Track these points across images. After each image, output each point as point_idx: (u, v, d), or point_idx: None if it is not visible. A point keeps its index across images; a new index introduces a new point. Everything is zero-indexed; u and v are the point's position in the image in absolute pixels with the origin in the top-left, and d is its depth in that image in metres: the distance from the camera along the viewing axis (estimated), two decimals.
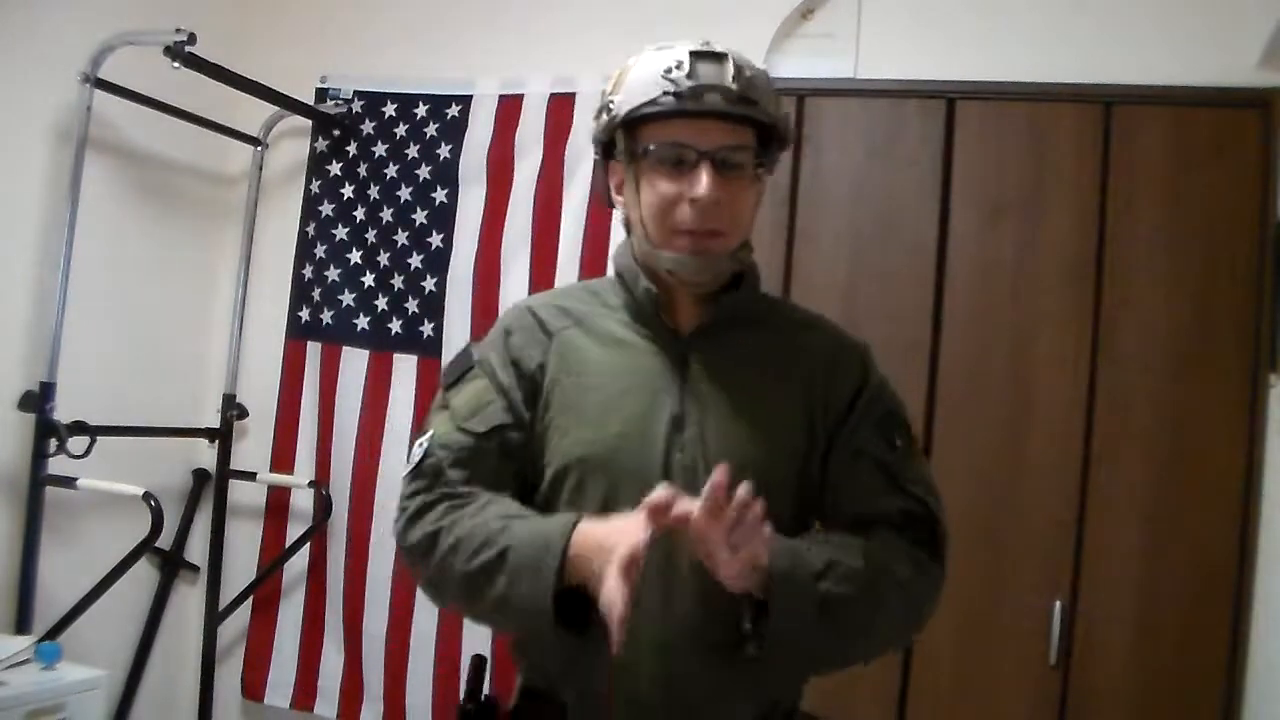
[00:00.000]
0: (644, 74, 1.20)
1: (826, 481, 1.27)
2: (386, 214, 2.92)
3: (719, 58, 1.19)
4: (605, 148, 1.28)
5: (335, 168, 2.99)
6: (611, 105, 1.23)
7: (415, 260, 2.88)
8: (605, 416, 1.22)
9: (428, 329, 2.86)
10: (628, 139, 1.23)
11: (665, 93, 1.17)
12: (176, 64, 2.42)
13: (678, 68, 1.18)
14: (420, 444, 1.26)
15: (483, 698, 1.31)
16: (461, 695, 1.33)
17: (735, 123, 1.19)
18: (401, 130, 2.93)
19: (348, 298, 2.94)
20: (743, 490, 1.04)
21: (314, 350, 2.97)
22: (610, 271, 1.37)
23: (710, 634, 1.18)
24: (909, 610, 1.23)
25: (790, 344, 1.30)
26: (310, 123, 2.99)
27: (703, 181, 1.16)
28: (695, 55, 1.19)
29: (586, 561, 1.07)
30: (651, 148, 1.20)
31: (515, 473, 1.24)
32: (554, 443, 1.23)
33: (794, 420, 1.25)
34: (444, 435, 1.24)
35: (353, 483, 2.88)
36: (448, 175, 2.87)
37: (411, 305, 2.88)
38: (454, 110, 2.88)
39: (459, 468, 1.21)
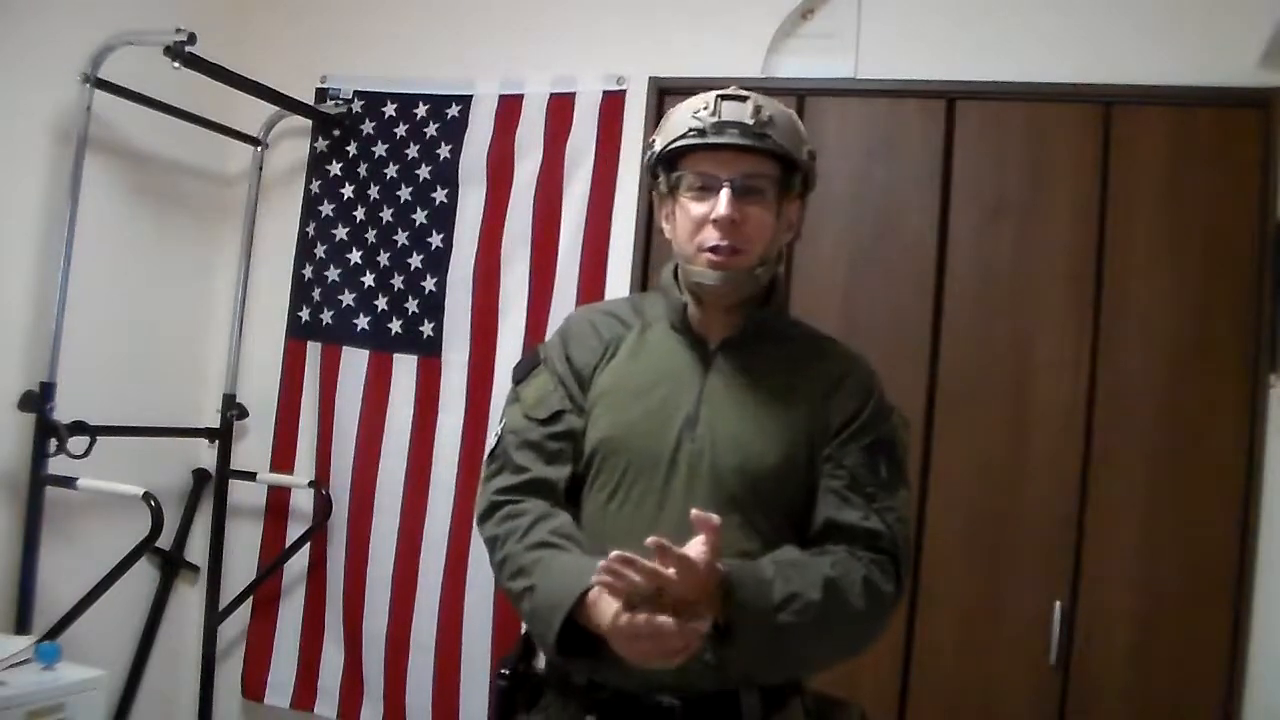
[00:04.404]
0: (679, 115, 1.41)
1: (812, 486, 1.40)
2: (386, 214, 2.92)
3: (742, 99, 1.38)
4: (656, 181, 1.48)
5: (335, 168, 2.99)
6: (654, 144, 1.44)
7: (415, 260, 2.88)
8: (631, 406, 1.42)
9: (428, 329, 2.86)
10: (668, 173, 1.43)
11: (691, 129, 1.38)
12: (176, 64, 2.41)
13: (705, 108, 1.38)
14: (496, 431, 1.50)
15: (519, 668, 1.47)
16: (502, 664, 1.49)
17: (754, 154, 1.37)
18: (401, 130, 2.93)
19: (348, 298, 2.94)
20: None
21: (314, 350, 2.97)
22: (661, 282, 1.54)
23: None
24: (856, 640, 1.36)
25: (804, 362, 1.46)
26: (310, 123, 2.99)
27: (721, 202, 1.35)
28: (721, 97, 1.38)
29: (589, 614, 1.25)
30: (684, 177, 1.39)
31: (571, 452, 1.44)
32: (591, 429, 1.44)
33: (797, 427, 1.40)
34: (514, 422, 1.47)
35: (353, 483, 2.88)
36: (448, 175, 2.87)
37: (411, 305, 2.88)
38: (454, 110, 2.88)
39: (524, 449, 1.43)
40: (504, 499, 1.41)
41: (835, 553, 1.33)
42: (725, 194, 1.35)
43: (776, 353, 1.45)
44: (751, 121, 1.35)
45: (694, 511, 1.18)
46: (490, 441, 1.50)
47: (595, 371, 1.46)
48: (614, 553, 1.16)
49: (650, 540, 1.15)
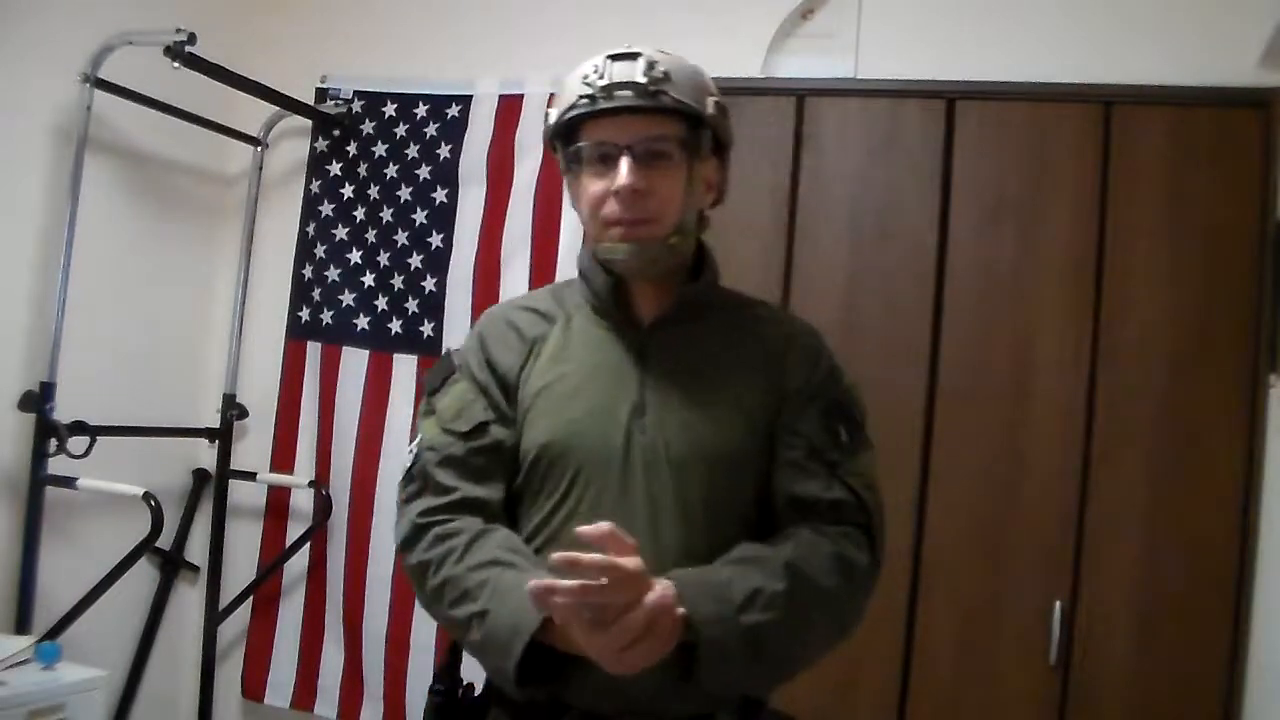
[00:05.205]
0: (570, 84, 1.29)
1: (772, 461, 1.30)
2: (386, 214, 2.92)
3: (633, 57, 1.26)
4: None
5: (335, 168, 2.99)
6: (549, 117, 1.32)
7: (415, 260, 2.88)
8: (570, 404, 1.29)
9: (428, 329, 2.86)
10: (565, 147, 1.31)
11: (582, 97, 1.26)
12: (176, 64, 2.42)
13: (594, 71, 1.26)
14: (411, 449, 1.34)
15: (455, 680, 1.34)
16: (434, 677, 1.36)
17: (652, 115, 1.25)
18: (401, 130, 2.93)
19: (348, 298, 2.94)
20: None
21: (314, 350, 2.97)
22: (576, 272, 1.42)
23: None
24: (837, 619, 1.25)
25: (745, 332, 1.35)
26: (310, 123, 3.00)
27: (621, 172, 1.24)
28: (611, 58, 1.27)
29: (558, 636, 1.14)
30: (582, 148, 1.27)
31: (501, 467, 1.30)
32: (526, 435, 1.30)
33: (750, 403, 1.30)
34: (431, 438, 1.32)
35: (353, 483, 2.88)
36: (448, 175, 2.87)
37: (411, 305, 2.88)
38: (454, 110, 2.88)
39: (446, 467, 1.29)
40: (430, 520, 1.26)
41: (798, 534, 1.23)
42: (625, 162, 1.23)
43: (715, 326, 1.34)
44: (645, 79, 1.23)
45: (581, 529, 1.08)
46: (407, 459, 1.34)
47: (521, 374, 1.32)
48: (555, 555, 1.06)
49: (580, 530, 1.07)
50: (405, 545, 1.29)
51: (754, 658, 1.14)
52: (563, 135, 1.30)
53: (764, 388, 1.30)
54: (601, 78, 1.25)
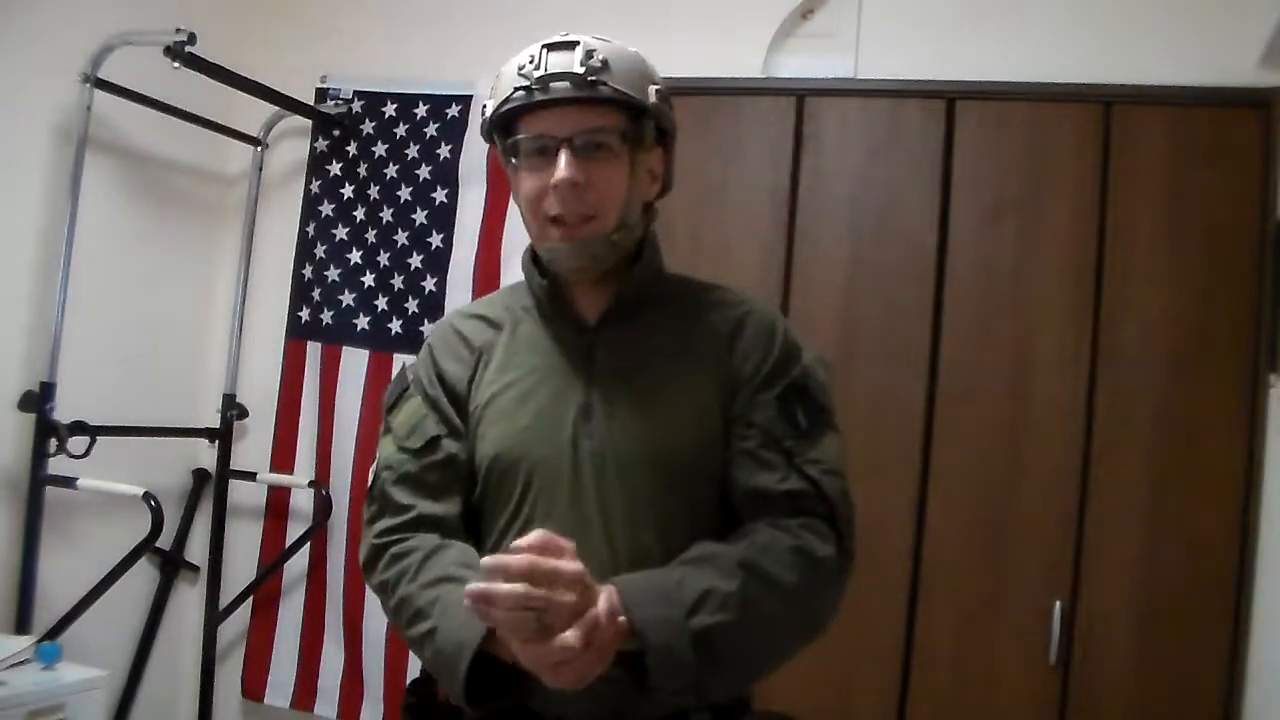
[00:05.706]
0: (506, 75, 1.24)
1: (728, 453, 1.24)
2: (386, 214, 2.92)
3: (570, 46, 1.22)
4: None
5: (335, 168, 2.99)
6: (485, 110, 1.27)
7: (415, 260, 2.88)
8: (517, 413, 1.25)
9: (428, 329, 2.86)
10: (503, 141, 1.26)
11: (518, 88, 1.21)
12: (176, 64, 2.42)
13: (530, 62, 1.22)
14: (373, 469, 1.31)
15: (429, 690, 1.30)
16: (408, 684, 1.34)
17: (592, 106, 1.21)
18: (401, 130, 2.93)
19: (348, 298, 2.94)
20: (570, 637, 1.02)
21: (314, 350, 2.97)
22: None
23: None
24: (801, 616, 1.18)
25: (696, 321, 1.29)
26: (310, 123, 3.00)
27: (559, 166, 1.19)
28: (547, 47, 1.23)
29: (503, 648, 1.10)
30: (520, 142, 1.23)
31: (457, 481, 1.27)
32: (479, 447, 1.27)
33: (706, 400, 1.24)
34: (387, 456, 1.29)
35: (353, 483, 2.88)
36: (448, 175, 2.87)
37: (411, 305, 2.88)
38: (454, 110, 2.89)
39: (402, 485, 1.26)
40: (387, 540, 1.23)
41: (756, 530, 1.17)
42: (564, 155, 1.18)
43: (663, 319, 1.28)
44: (582, 69, 1.19)
45: (516, 542, 1.02)
46: (370, 478, 1.32)
47: (471, 385, 1.28)
48: (484, 559, 1.01)
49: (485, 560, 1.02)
50: (366, 567, 1.27)
51: (708, 662, 1.08)
52: (501, 128, 1.25)
53: (716, 378, 1.24)
54: (538, 68, 1.21)
